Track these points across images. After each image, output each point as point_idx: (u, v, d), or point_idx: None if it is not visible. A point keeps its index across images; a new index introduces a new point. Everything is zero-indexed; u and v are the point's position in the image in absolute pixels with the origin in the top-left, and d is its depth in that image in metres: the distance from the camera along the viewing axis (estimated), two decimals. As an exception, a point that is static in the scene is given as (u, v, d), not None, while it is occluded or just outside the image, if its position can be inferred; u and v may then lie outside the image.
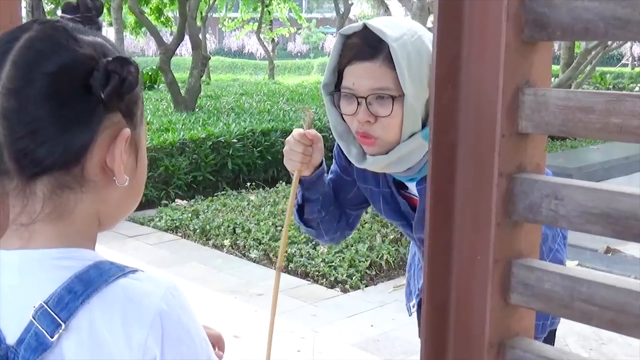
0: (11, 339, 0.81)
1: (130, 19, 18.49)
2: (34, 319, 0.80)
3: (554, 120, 0.99)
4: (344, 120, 1.58)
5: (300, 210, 1.79)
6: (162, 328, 0.82)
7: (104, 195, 0.89)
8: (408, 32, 1.48)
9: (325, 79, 1.57)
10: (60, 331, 0.80)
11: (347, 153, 1.61)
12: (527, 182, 1.03)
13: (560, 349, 1.07)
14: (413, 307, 2.02)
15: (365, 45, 1.49)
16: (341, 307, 4.52)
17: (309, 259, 5.11)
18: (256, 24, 21.53)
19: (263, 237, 5.51)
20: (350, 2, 20.12)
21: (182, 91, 10.26)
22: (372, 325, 4.23)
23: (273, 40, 24.88)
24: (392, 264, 5.14)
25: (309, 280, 4.94)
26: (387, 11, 11.92)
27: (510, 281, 1.07)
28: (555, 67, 15.64)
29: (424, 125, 1.51)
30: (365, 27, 1.50)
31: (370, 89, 1.48)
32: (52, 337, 0.80)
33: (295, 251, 5.20)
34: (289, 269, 5.01)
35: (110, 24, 16.10)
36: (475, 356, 1.09)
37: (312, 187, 1.72)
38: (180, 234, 5.98)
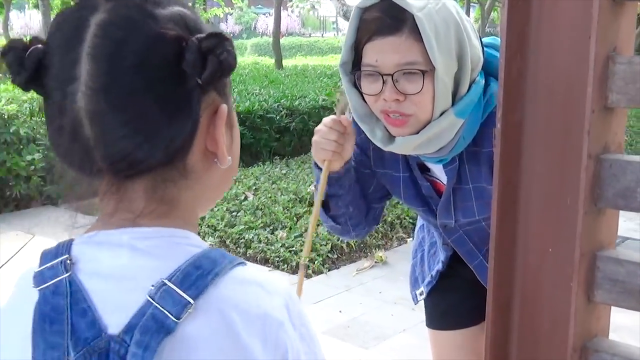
0: (116, 327, 0.70)
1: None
2: (153, 298, 0.70)
3: (654, 92, 0.86)
4: (365, 102, 1.44)
5: (325, 206, 1.63)
6: (291, 319, 0.75)
7: (206, 180, 0.79)
8: (432, 0, 1.34)
9: (343, 57, 1.42)
10: (189, 310, 0.69)
11: (372, 136, 1.47)
12: (617, 164, 0.90)
13: (651, 351, 0.95)
14: (420, 294, 1.90)
15: (387, 18, 1.34)
16: (305, 293, 4.38)
17: (268, 245, 4.95)
18: (189, 4, 21.04)
19: (218, 223, 5.31)
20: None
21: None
22: (340, 311, 4.10)
23: (208, 21, 24.42)
24: (353, 246, 5.02)
25: (270, 267, 4.78)
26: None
27: (595, 277, 0.95)
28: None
29: (454, 101, 1.39)
30: None
31: (397, 65, 1.34)
32: (177, 319, 0.69)
33: (253, 237, 5.03)
34: (248, 255, 4.85)
35: (36, 6, 15.46)
36: (556, 362, 0.97)
37: (336, 183, 1.57)
38: (130, 223, 5.73)
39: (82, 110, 0.70)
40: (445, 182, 1.56)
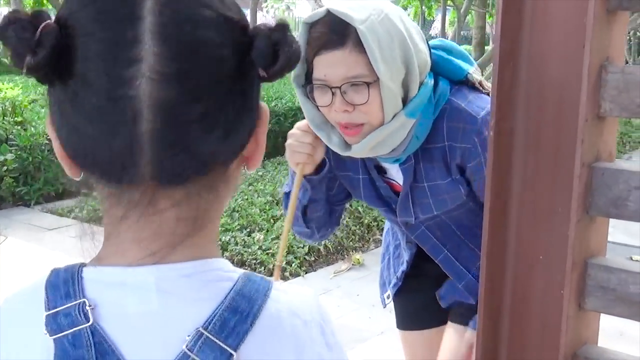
0: None
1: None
2: (191, 350, 0.62)
3: (647, 101, 0.87)
4: (319, 111, 1.49)
5: (303, 211, 1.67)
6: (326, 340, 0.69)
7: (232, 186, 0.70)
8: (374, 11, 1.39)
9: (295, 70, 1.46)
10: None
11: (328, 142, 1.52)
12: (609, 173, 0.91)
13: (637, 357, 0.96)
14: (388, 298, 1.95)
15: (332, 33, 1.39)
16: (283, 296, 4.37)
17: (244, 247, 4.92)
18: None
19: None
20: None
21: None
22: (317, 314, 4.10)
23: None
24: (330, 248, 5.02)
25: (247, 269, 4.76)
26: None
27: (586, 284, 0.95)
28: (467, 47, 15.88)
29: (404, 104, 1.45)
30: (329, 12, 1.40)
31: (344, 78, 1.39)
32: None
33: (229, 239, 5.01)
34: (224, 257, 4.82)
35: (8, 3, 15.26)
36: (547, 370, 0.97)
37: (318, 186, 1.63)
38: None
39: (144, 98, 0.59)
40: (402, 183, 1.61)
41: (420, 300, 1.90)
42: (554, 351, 0.95)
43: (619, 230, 4.80)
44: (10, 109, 6.25)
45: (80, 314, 0.63)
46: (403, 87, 1.43)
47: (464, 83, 1.58)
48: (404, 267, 1.87)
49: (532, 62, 0.94)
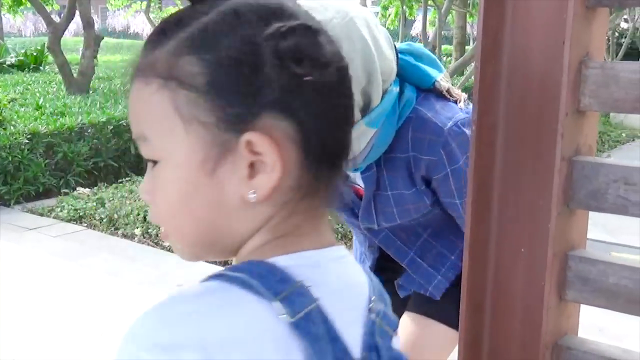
0: (357, 350, 0.71)
1: (7, -5, 17.38)
2: (377, 316, 0.75)
3: (625, 96, 0.89)
4: None
5: None
6: None
7: None
8: (338, 14, 1.32)
9: None
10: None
11: None
12: (590, 166, 0.93)
13: (621, 348, 0.98)
14: None
15: None
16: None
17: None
18: (144, 2, 20.79)
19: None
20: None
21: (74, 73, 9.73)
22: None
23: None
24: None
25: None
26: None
27: (567, 276, 0.97)
28: (448, 47, 15.93)
29: (365, 113, 1.40)
30: None
31: None
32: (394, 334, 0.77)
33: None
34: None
35: None
36: (529, 359, 0.99)
37: None
38: (86, 224, 5.63)
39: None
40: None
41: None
42: (535, 341, 0.97)
43: (598, 228, 4.85)
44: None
45: (306, 294, 0.68)
46: (363, 96, 1.38)
47: (432, 91, 1.53)
48: (369, 263, 1.82)
49: (514, 59, 0.96)
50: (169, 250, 5.06)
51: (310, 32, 0.68)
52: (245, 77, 0.67)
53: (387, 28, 9.03)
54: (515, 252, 1.00)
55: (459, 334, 1.04)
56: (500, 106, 0.97)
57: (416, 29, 20.79)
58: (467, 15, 12.46)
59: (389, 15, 13.55)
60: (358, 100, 1.36)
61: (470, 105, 1.41)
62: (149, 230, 5.28)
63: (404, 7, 11.27)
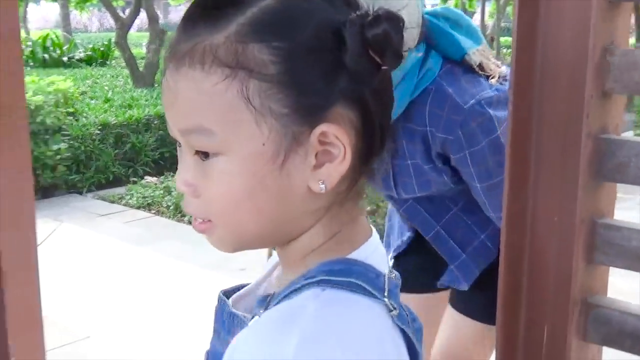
0: None
1: (74, -7, 17.95)
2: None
3: (645, 80, 1.00)
4: None
5: None
6: None
7: None
8: None
9: None
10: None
11: None
12: (614, 143, 1.04)
13: (643, 306, 1.09)
14: (391, 260, 1.89)
15: None
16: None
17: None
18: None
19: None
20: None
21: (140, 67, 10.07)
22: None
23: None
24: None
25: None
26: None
27: (595, 241, 1.09)
28: (507, 39, 15.72)
29: None
30: None
31: None
32: None
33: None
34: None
35: (55, -1, 15.63)
36: (559, 315, 1.11)
37: None
38: (154, 211, 5.89)
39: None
40: None
41: (421, 262, 1.78)
42: (565, 300, 1.09)
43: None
44: (62, 101, 6.50)
45: (390, 284, 0.71)
46: None
47: (461, 64, 1.41)
48: (410, 233, 1.78)
49: (546, 47, 1.07)
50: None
51: (395, 21, 0.64)
52: (322, 66, 0.63)
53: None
54: (549, 220, 1.12)
55: (498, 294, 1.17)
56: (534, 89, 1.09)
57: (476, 21, 20.67)
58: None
59: (449, 7, 13.54)
60: None
61: (507, 83, 1.38)
62: (213, 217, 5.49)
63: (464, -1, 11.29)
